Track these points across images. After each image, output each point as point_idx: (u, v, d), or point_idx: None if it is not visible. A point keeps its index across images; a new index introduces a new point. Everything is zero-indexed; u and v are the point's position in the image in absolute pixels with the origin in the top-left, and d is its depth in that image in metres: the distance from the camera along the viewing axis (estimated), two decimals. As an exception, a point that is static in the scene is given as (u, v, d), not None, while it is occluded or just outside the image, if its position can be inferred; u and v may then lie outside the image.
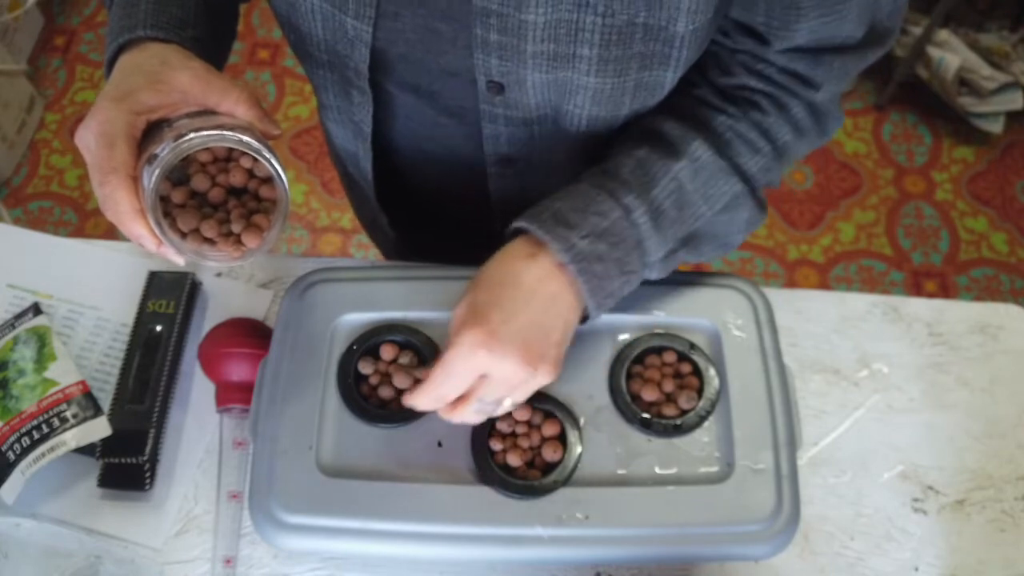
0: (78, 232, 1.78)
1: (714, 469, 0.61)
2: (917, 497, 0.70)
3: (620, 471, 0.61)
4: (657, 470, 0.61)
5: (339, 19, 0.58)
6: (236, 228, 0.54)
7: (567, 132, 0.62)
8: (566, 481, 0.59)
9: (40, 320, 0.74)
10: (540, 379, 0.54)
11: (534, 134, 0.63)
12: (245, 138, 0.51)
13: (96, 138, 0.51)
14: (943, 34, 1.78)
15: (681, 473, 0.61)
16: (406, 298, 0.67)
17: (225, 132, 0.51)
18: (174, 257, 0.54)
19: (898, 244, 1.78)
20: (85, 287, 0.79)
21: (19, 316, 0.75)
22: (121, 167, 0.51)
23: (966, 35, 1.80)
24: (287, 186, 0.53)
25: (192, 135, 0.50)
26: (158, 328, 0.74)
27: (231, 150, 0.54)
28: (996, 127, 1.81)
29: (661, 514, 0.58)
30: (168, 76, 0.53)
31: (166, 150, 0.50)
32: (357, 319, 0.66)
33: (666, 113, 0.61)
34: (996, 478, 0.71)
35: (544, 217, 0.56)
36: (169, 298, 0.76)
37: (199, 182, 0.54)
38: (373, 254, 1.78)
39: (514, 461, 0.60)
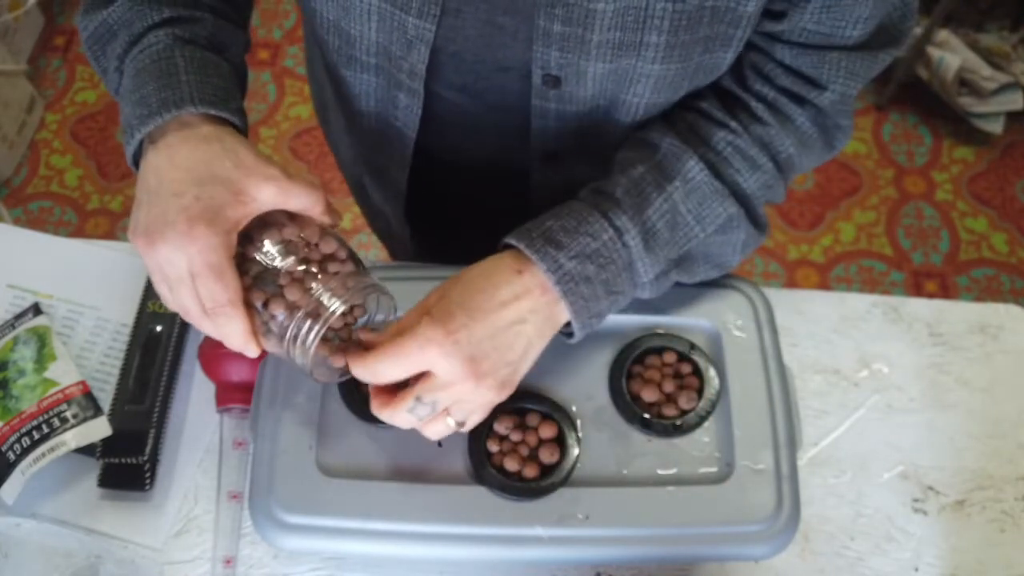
0: (78, 232, 1.78)
1: (714, 469, 0.61)
2: (917, 497, 0.70)
3: (620, 471, 0.61)
4: (657, 470, 0.61)
5: (399, 19, 0.57)
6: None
7: (617, 123, 0.62)
8: (563, 483, 0.59)
9: (40, 320, 0.74)
10: (484, 395, 0.53)
11: (584, 127, 0.63)
12: (384, 295, 0.54)
13: (202, 269, 0.50)
14: (943, 34, 1.78)
15: (681, 473, 0.61)
16: (406, 298, 0.67)
17: (366, 287, 0.53)
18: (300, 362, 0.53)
19: (898, 244, 1.78)
20: (85, 287, 0.79)
21: (19, 316, 0.75)
22: (237, 299, 0.51)
23: (966, 35, 1.80)
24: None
25: (336, 301, 0.51)
26: (158, 328, 0.74)
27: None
28: (996, 127, 1.81)
29: (661, 514, 0.58)
30: (248, 187, 0.51)
31: (319, 313, 0.51)
32: (357, 319, 0.66)
33: (667, 127, 0.61)
34: (996, 478, 0.71)
35: (534, 236, 0.55)
36: (169, 298, 0.76)
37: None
38: (373, 254, 1.78)
39: (511, 465, 0.60)
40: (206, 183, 0.51)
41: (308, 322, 0.51)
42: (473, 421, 0.55)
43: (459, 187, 0.78)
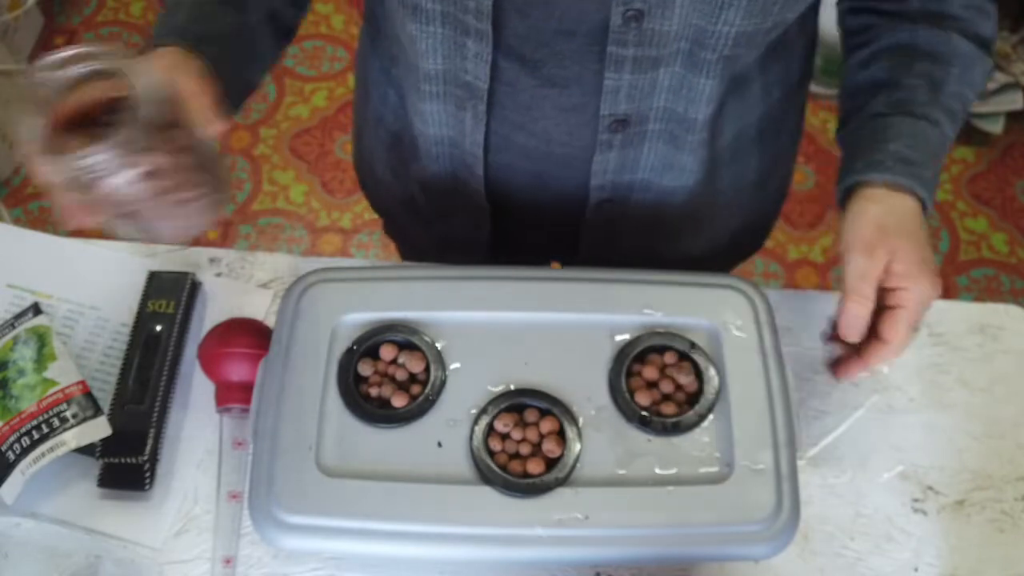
0: (78, 232, 1.78)
1: (714, 469, 0.61)
2: (917, 497, 0.70)
3: (620, 471, 0.61)
4: (657, 470, 0.61)
5: None
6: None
7: (699, 70, 0.62)
8: (566, 479, 0.59)
9: (40, 320, 0.74)
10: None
11: (658, 83, 0.63)
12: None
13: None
14: (943, 34, 1.78)
15: (681, 473, 0.61)
16: (406, 298, 0.67)
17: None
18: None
19: (898, 244, 1.77)
20: (85, 287, 0.79)
21: (19, 316, 0.75)
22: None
23: (966, 35, 1.80)
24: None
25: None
26: (158, 328, 0.74)
27: None
28: (996, 127, 1.81)
29: (661, 514, 0.58)
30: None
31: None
32: (357, 319, 0.66)
33: (908, 24, 0.68)
34: (996, 478, 0.71)
35: (891, 164, 0.63)
36: (169, 298, 0.76)
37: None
38: (373, 254, 1.78)
39: (514, 461, 0.60)
40: None
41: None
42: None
43: (525, 165, 0.75)
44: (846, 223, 0.64)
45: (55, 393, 0.69)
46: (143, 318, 0.75)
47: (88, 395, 0.70)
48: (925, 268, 0.62)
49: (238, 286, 0.79)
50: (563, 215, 0.78)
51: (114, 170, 0.51)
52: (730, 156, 0.73)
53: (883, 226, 0.62)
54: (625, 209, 0.75)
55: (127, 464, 0.68)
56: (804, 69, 0.76)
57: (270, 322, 0.75)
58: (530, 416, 0.62)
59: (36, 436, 0.67)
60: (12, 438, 0.67)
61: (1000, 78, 1.76)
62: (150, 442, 0.69)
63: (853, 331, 0.62)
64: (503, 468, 0.60)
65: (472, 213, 0.80)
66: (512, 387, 0.63)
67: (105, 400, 0.71)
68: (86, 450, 0.68)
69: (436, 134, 0.72)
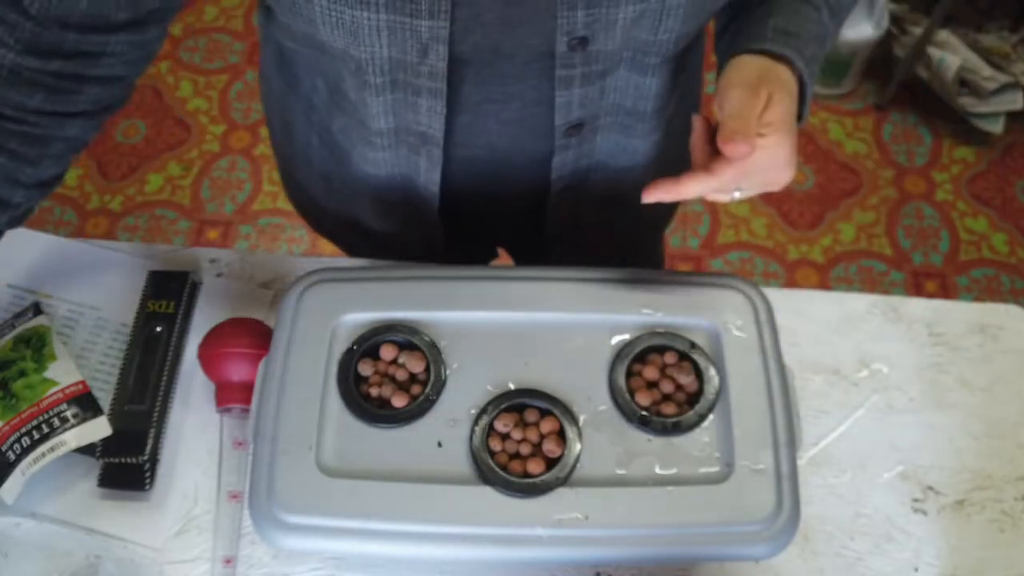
0: (78, 232, 1.78)
1: (714, 469, 0.61)
2: (917, 497, 0.70)
3: (620, 471, 0.61)
4: (657, 470, 0.61)
5: (411, 26, 0.56)
6: None
7: (639, 76, 0.64)
8: (566, 479, 0.59)
9: (40, 320, 0.74)
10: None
11: (606, 88, 0.65)
12: None
13: None
14: (943, 34, 1.78)
15: (681, 473, 0.61)
16: (406, 298, 0.67)
17: None
18: None
19: (898, 244, 1.78)
20: (85, 287, 0.79)
21: (19, 316, 0.75)
22: None
23: (966, 35, 1.80)
24: None
25: None
26: (158, 328, 0.74)
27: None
28: (996, 127, 1.81)
29: (661, 514, 0.58)
30: None
31: None
32: (357, 319, 0.66)
33: None
34: (996, 478, 0.71)
35: (771, 36, 0.61)
36: (169, 298, 0.76)
37: None
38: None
39: (515, 461, 0.60)
40: None
41: None
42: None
43: (476, 182, 0.77)
44: (724, 72, 0.61)
45: (55, 393, 0.69)
46: (143, 318, 0.75)
47: (88, 395, 0.70)
48: (790, 132, 0.58)
49: (238, 286, 0.79)
50: (522, 207, 0.80)
51: None
52: (680, 130, 0.74)
53: (763, 76, 0.59)
54: (584, 188, 0.77)
55: (127, 464, 0.68)
56: None
57: (270, 322, 0.75)
58: (530, 416, 0.62)
59: (36, 436, 0.67)
60: (12, 438, 0.67)
61: (1000, 78, 1.76)
62: (150, 442, 0.69)
63: (702, 156, 0.60)
64: (503, 468, 0.60)
65: (424, 228, 0.81)
66: (512, 387, 0.63)
67: (105, 400, 0.71)
68: (86, 450, 0.68)
69: (388, 174, 0.74)
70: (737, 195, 0.60)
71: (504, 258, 1.04)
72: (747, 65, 0.60)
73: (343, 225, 0.87)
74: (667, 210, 0.94)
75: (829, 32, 0.65)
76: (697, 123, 0.61)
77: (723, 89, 0.59)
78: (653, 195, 0.58)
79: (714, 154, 0.58)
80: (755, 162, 0.57)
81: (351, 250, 0.96)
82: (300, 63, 0.72)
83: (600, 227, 0.82)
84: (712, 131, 0.60)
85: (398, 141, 0.69)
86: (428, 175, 0.72)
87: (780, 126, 0.58)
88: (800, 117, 0.63)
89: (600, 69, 0.62)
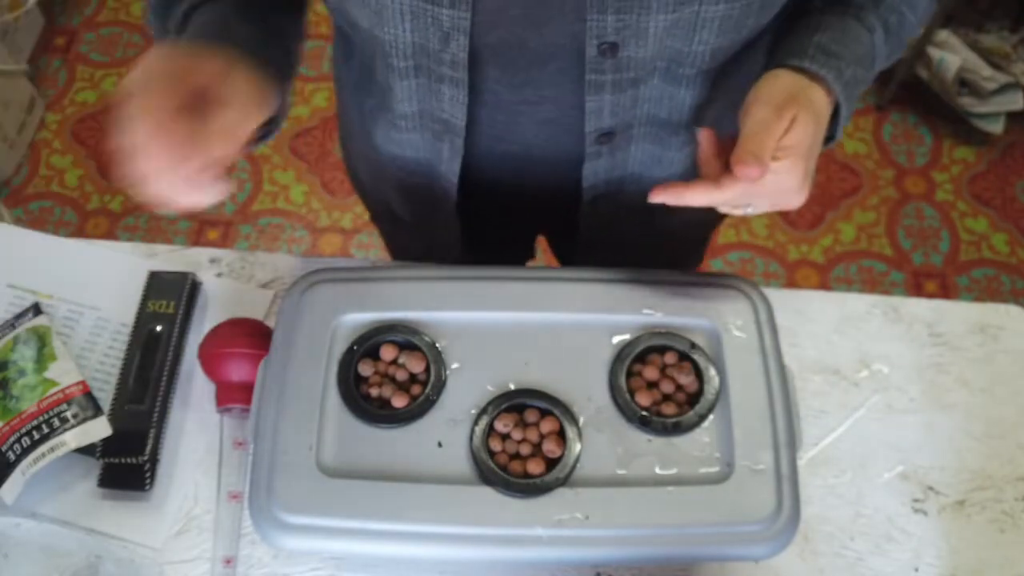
0: (78, 232, 1.78)
1: (714, 469, 0.61)
2: (917, 497, 0.70)
3: (620, 471, 0.61)
4: (657, 470, 0.61)
5: (433, 13, 0.57)
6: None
7: (678, 82, 0.63)
8: (566, 479, 0.59)
9: (40, 320, 0.74)
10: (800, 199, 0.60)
11: (639, 97, 0.64)
12: None
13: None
14: (943, 34, 1.78)
15: (681, 473, 0.61)
16: (406, 298, 0.67)
17: None
18: None
19: (898, 244, 1.78)
20: (85, 287, 0.79)
21: (19, 316, 0.75)
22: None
23: (966, 35, 1.80)
24: None
25: None
26: (158, 328, 0.74)
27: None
28: (996, 127, 1.81)
29: (661, 514, 0.58)
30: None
31: None
32: (357, 319, 0.66)
33: None
34: (996, 478, 0.71)
35: (811, 53, 0.59)
36: (169, 298, 0.76)
37: None
38: (374, 254, 1.78)
39: (515, 461, 0.60)
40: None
41: None
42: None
43: (509, 178, 0.77)
44: (757, 84, 0.60)
45: (55, 393, 0.69)
46: (143, 318, 0.75)
47: (88, 395, 0.70)
48: (806, 162, 0.57)
49: (238, 286, 0.79)
50: (555, 210, 0.79)
51: None
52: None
53: (794, 95, 0.58)
54: (620, 198, 0.76)
55: (127, 464, 0.68)
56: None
57: (270, 322, 0.75)
58: (530, 416, 0.62)
59: (36, 436, 0.67)
60: (12, 438, 0.67)
61: (1000, 78, 1.76)
62: (150, 442, 0.69)
63: (713, 171, 0.59)
64: (503, 468, 0.60)
65: (442, 217, 0.81)
66: (512, 387, 0.63)
67: (105, 400, 0.71)
68: (86, 450, 0.68)
69: (414, 157, 0.74)
70: (749, 210, 0.60)
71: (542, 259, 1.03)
72: (780, 81, 0.59)
73: (378, 204, 0.90)
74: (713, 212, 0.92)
75: (880, 54, 0.64)
76: (703, 137, 0.60)
77: (749, 103, 0.58)
78: (659, 196, 0.58)
79: (725, 168, 0.58)
80: (764, 184, 0.56)
81: (384, 235, 0.99)
82: (345, 39, 0.75)
83: (638, 229, 0.80)
84: (720, 144, 0.60)
85: (422, 125, 0.69)
86: (449, 164, 0.72)
87: (796, 151, 0.57)
88: (831, 138, 0.62)
89: (632, 77, 0.61)
